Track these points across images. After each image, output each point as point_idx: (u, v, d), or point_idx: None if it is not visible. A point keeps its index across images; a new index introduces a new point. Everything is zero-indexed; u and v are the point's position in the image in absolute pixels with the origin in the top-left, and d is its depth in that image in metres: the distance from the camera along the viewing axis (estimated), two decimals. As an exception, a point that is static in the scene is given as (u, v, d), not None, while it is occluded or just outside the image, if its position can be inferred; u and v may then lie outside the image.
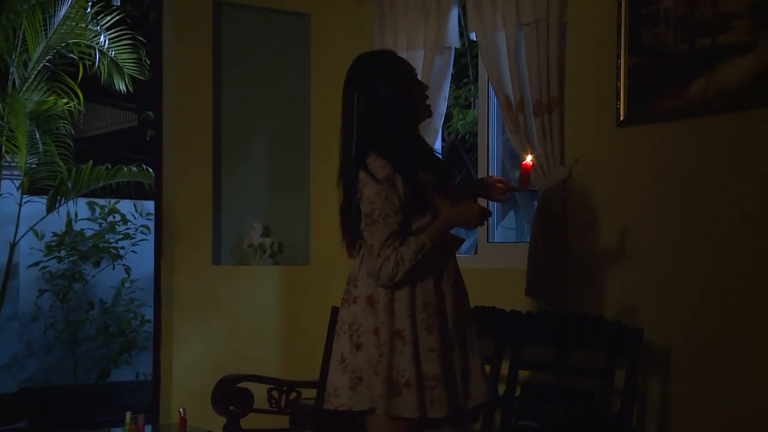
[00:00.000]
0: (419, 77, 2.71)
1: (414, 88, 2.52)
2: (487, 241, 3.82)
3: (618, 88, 3.07)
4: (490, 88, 3.67)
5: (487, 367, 3.11)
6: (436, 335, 2.43)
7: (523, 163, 2.72)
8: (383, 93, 2.45)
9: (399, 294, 2.42)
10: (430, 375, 2.40)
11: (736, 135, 2.77)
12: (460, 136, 6.57)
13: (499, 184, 2.69)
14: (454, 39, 3.80)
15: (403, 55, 3.60)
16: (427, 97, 2.57)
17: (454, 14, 3.78)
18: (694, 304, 2.87)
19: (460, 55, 5.20)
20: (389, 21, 3.97)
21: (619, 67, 3.07)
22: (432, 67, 3.79)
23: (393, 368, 2.40)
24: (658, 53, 2.96)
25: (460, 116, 5.90)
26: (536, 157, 2.81)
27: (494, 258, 3.72)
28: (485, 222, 2.75)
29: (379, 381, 2.39)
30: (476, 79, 4.20)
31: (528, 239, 3.35)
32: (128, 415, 3.21)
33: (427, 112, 2.59)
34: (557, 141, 3.23)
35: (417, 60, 3.80)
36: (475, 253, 3.94)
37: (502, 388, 3.14)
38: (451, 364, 2.45)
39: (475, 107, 5.36)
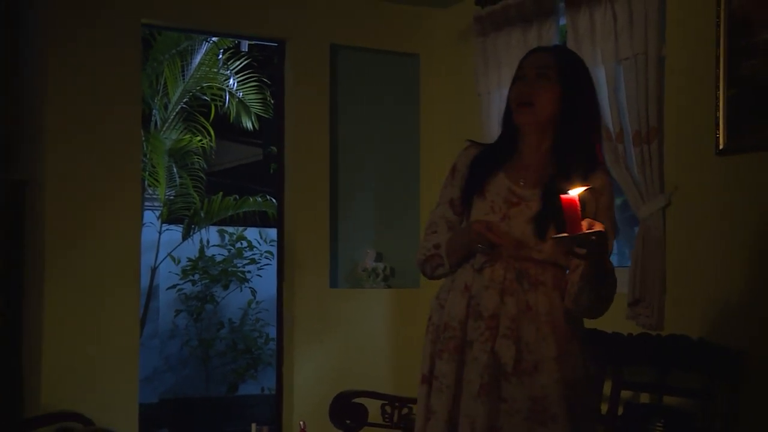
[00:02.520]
0: None
1: (512, 89, 2.27)
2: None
3: (717, 118, 2.98)
4: (590, 119, 3.62)
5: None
6: (446, 364, 2.06)
7: (563, 197, 1.87)
8: None
9: (432, 311, 2.19)
10: (432, 408, 2.10)
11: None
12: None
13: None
14: (555, 74, 3.77)
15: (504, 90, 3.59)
16: (522, 101, 2.20)
17: (554, 51, 3.75)
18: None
19: (561, 88, 5.16)
20: (492, 59, 3.99)
21: (717, 98, 2.98)
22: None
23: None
24: (756, 84, 2.86)
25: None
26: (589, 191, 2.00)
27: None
28: (491, 250, 2.08)
29: (418, 407, 2.16)
30: (577, 111, 4.16)
31: (628, 264, 3.29)
32: (254, 426, 3.29)
33: (516, 117, 2.22)
34: (656, 170, 3.17)
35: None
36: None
37: (604, 407, 3.08)
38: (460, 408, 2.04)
39: (577, 138, 5.31)
